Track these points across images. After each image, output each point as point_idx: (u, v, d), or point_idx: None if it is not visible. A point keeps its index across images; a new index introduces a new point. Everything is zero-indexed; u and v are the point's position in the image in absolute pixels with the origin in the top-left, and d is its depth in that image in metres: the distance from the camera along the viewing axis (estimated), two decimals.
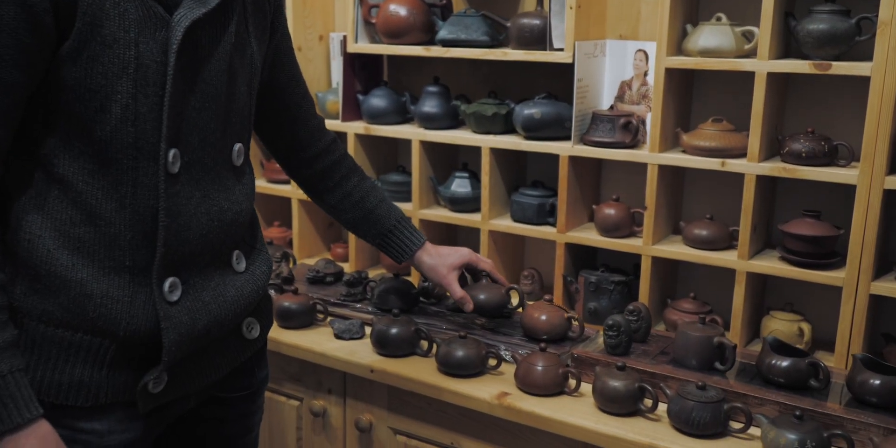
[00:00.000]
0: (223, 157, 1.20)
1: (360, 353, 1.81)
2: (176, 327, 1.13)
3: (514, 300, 1.85)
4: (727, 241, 1.83)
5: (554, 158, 1.97)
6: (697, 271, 1.98)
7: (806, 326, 1.76)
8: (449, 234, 2.30)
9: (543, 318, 1.78)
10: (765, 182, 1.77)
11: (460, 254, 1.74)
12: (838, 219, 1.74)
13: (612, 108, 1.97)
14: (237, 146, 1.23)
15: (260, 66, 1.27)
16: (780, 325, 1.77)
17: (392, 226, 1.67)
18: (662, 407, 1.54)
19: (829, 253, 1.72)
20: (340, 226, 2.48)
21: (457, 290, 1.72)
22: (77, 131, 1.06)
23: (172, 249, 1.12)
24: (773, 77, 1.69)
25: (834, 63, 1.61)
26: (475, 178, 2.13)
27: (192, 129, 1.13)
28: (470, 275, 1.81)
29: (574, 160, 1.94)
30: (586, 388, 1.62)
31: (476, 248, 2.17)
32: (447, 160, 2.25)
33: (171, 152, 1.09)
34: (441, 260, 1.71)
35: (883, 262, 1.71)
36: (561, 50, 1.89)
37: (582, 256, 2.07)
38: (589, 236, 1.96)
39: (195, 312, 1.15)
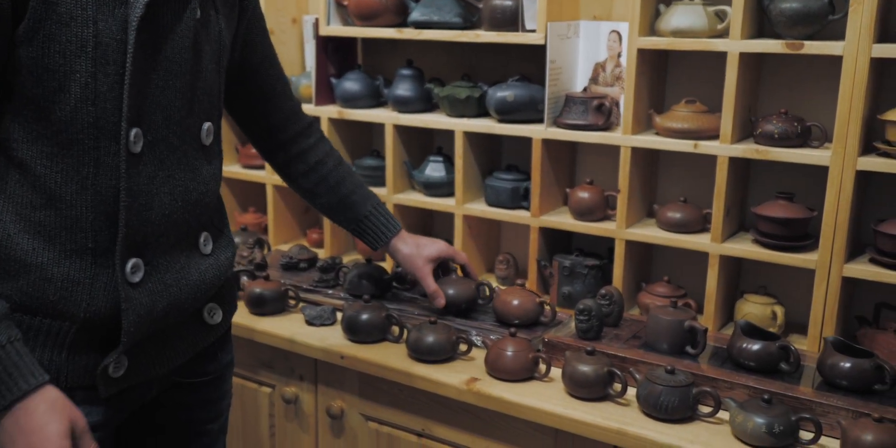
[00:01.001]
0: (191, 136, 1.18)
1: (331, 339, 1.79)
2: (135, 309, 1.12)
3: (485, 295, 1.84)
4: (701, 224, 1.81)
5: (528, 142, 1.95)
6: (672, 255, 1.96)
7: (779, 309, 1.74)
8: (424, 219, 2.28)
9: (516, 302, 1.76)
10: (738, 164, 1.75)
11: (437, 247, 1.73)
12: (812, 201, 1.72)
13: (585, 89, 1.94)
14: (206, 125, 1.21)
15: (229, 44, 1.25)
16: (753, 308, 1.76)
17: (368, 212, 1.66)
18: (632, 391, 1.52)
19: (802, 235, 1.70)
20: (317, 211, 2.46)
21: (430, 284, 1.72)
22: (35, 113, 1.04)
23: (134, 229, 1.11)
24: (745, 57, 1.66)
25: (806, 42, 1.58)
26: (449, 162, 2.11)
27: (156, 108, 1.11)
28: (442, 267, 1.80)
29: (547, 143, 1.92)
30: (557, 373, 1.60)
31: (451, 234, 2.15)
32: (422, 144, 2.23)
33: (133, 131, 1.08)
34: (418, 250, 1.71)
35: (857, 245, 1.70)
36: (533, 31, 1.86)
37: (557, 240, 2.05)
38: (563, 220, 1.94)
39: (156, 294, 1.14)
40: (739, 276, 1.91)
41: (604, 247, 1.98)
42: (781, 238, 1.69)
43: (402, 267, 1.76)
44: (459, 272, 1.84)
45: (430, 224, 2.31)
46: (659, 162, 1.96)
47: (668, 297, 1.83)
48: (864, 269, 1.61)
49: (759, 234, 1.72)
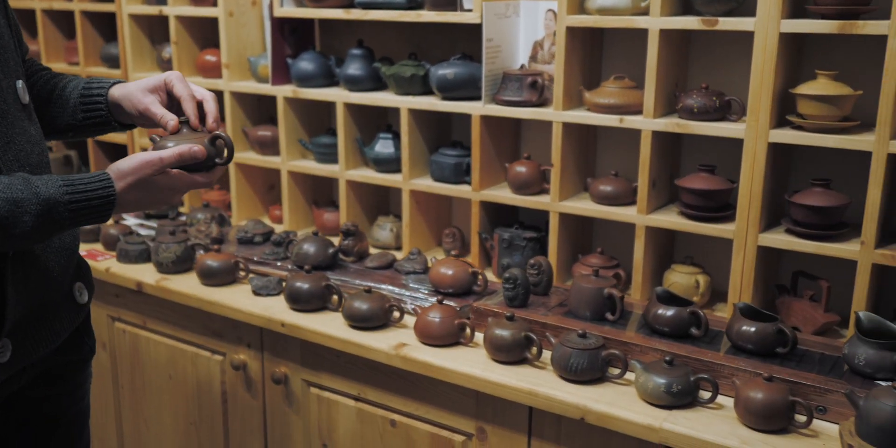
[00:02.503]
0: (11, 98, 1.18)
1: (275, 308, 1.87)
2: (10, 283, 1.14)
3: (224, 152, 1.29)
4: (631, 197, 1.86)
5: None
6: (609, 227, 2.02)
7: (702, 278, 1.80)
8: (379, 196, 2.35)
9: (450, 273, 1.84)
10: (663, 137, 1.80)
11: (159, 77, 1.34)
12: (734, 173, 1.77)
13: (522, 67, 2.00)
14: (19, 83, 1.21)
15: None
16: (678, 277, 1.82)
17: (79, 95, 1.37)
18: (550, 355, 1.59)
19: (723, 206, 1.76)
20: (282, 189, 2.53)
21: (156, 111, 1.30)
22: None
23: None
24: (667, 34, 1.71)
25: (721, 19, 1.63)
26: (399, 138, 2.17)
27: None
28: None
29: (487, 119, 1.98)
30: (482, 338, 1.67)
31: (399, 208, 2.21)
32: (376, 122, 2.29)
33: None
34: (134, 86, 1.34)
35: (778, 215, 1.75)
36: (470, 11, 1.92)
37: (504, 214, 2.11)
38: (502, 194, 2.00)
39: (26, 267, 1.18)
40: (673, 247, 1.97)
41: (545, 220, 2.04)
42: (704, 209, 1.75)
43: (130, 114, 1.35)
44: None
45: (386, 200, 2.38)
46: (597, 137, 2.01)
47: (601, 267, 1.89)
48: (778, 239, 1.66)
49: (684, 205, 1.78)
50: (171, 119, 1.28)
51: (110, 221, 2.39)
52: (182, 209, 2.56)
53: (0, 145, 1.15)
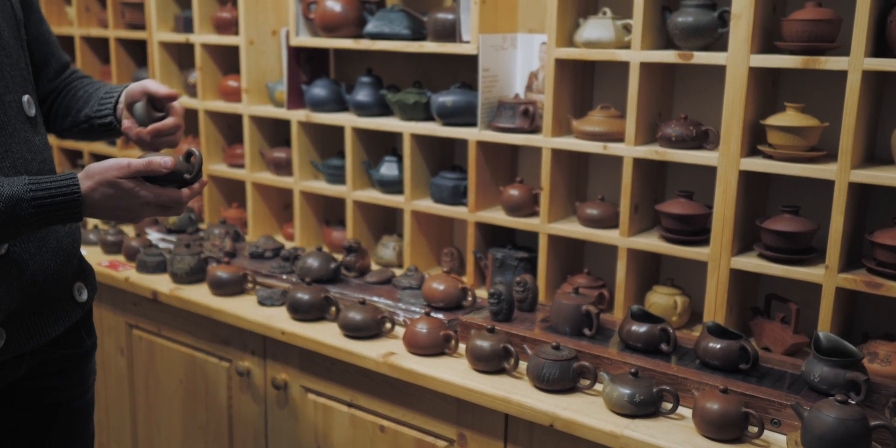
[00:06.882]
0: (14, 111, 1.28)
1: (277, 317, 1.99)
2: (4, 278, 1.24)
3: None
4: (615, 220, 1.96)
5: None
6: (597, 249, 2.12)
7: (681, 299, 1.89)
8: (386, 216, 2.47)
9: (441, 288, 1.95)
10: (646, 164, 1.90)
11: (141, 83, 1.46)
12: (712, 199, 1.86)
13: (516, 96, 2.12)
14: (25, 97, 1.31)
15: (23, 17, 1.34)
16: (658, 298, 1.90)
17: (103, 93, 1.49)
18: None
19: (700, 230, 1.85)
20: (294, 208, 2.67)
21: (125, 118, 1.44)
22: None
23: None
24: (648, 66, 1.82)
25: (696, 53, 1.74)
26: (403, 162, 2.29)
27: None
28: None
29: (483, 145, 2.10)
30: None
31: (400, 228, 2.32)
32: (384, 146, 2.42)
33: None
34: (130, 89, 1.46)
35: (752, 240, 1.83)
36: (468, 43, 2.05)
37: (499, 235, 2.22)
38: (496, 216, 2.11)
39: (21, 264, 1.28)
40: (659, 269, 2.06)
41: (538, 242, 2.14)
42: (682, 233, 1.84)
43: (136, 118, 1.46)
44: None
45: (391, 220, 2.50)
46: (588, 163, 2.12)
47: (587, 287, 1.98)
48: (750, 262, 1.75)
49: (664, 229, 1.87)
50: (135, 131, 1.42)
51: (132, 234, 2.55)
52: (201, 226, 2.71)
53: None
